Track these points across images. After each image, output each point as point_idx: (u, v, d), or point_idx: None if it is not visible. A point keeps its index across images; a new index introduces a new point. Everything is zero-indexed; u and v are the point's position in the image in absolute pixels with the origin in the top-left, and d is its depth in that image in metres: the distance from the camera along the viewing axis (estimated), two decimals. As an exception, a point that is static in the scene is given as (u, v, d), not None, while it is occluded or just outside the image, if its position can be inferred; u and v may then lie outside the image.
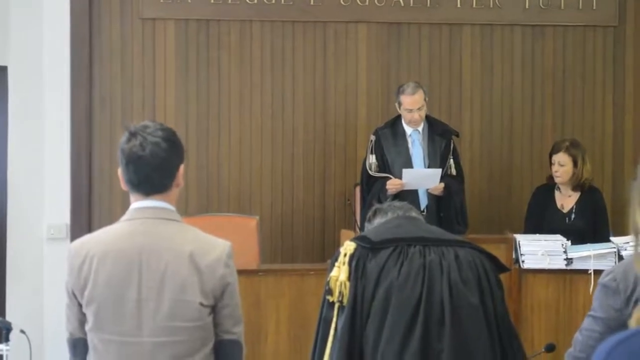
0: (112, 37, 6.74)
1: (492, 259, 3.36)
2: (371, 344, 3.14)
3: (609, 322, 3.11)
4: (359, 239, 3.32)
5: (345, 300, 3.19)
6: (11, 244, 6.50)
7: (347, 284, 3.20)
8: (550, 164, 6.25)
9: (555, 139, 6.65)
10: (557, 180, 6.21)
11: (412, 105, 6.07)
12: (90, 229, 6.09)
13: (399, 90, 6.14)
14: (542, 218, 6.23)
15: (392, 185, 5.98)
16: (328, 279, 3.23)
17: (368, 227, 3.54)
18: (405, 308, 3.14)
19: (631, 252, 5.21)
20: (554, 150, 6.23)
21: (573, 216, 6.19)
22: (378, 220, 3.52)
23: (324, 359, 3.20)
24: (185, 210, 6.39)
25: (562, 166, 6.16)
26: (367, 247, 3.26)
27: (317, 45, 6.93)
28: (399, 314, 3.13)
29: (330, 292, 3.23)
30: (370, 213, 3.61)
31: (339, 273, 3.22)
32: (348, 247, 3.28)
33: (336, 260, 3.26)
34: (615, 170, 7.15)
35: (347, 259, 3.24)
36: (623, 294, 3.12)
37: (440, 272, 3.20)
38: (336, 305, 3.21)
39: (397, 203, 3.69)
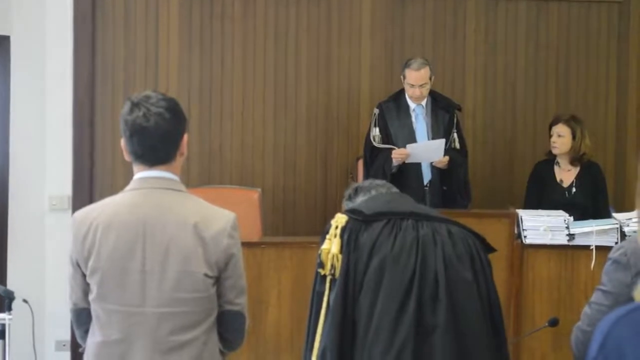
0: (115, 7, 6.70)
1: (481, 239, 3.35)
2: (365, 317, 3.12)
3: (618, 296, 3.12)
4: (351, 212, 3.29)
5: (337, 274, 3.16)
6: (13, 215, 6.49)
7: (339, 256, 3.17)
8: (550, 135, 6.27)
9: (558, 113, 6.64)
10: (554, 151, 6.21)
11: (415, 81, 6.04)
12: (91, 200, 6.08)
13: (406, 64, 6.10)
14: (542, 193, 6.25)
15: (398, 154, 5.94)
16: (319, 252, 3.21)
17: (349, 205, 3.47)
18: (399, 281, 3.12)
19: (635, 228, 5.22)
20: (554, 121, 6.27)
21: (573, 190, 6.20)
22: (360, 199, 3.47)
23: (317, 331, 3.19)
24: (187, 182, 6.31)
25: (560, 137, 6.18)
26: (360, 220, 3.23)
27: (320, 18, 6.88)
28: (393, 287, 3.11)
29: (321, 265, 3.20)
30: (350, 191, 3.54)
31: (331, 246, 3.18)
32: (339, 219, 3.24)
33: (327, 233, 3.23)
34: (617, 146, 7.13)
35: (338, 231, 3.21)
36: (633, 269, 3.14)
37: (434, 245, 3.18)
38: (328, 279, 3.19)
39: (379, 181, 3.62)
